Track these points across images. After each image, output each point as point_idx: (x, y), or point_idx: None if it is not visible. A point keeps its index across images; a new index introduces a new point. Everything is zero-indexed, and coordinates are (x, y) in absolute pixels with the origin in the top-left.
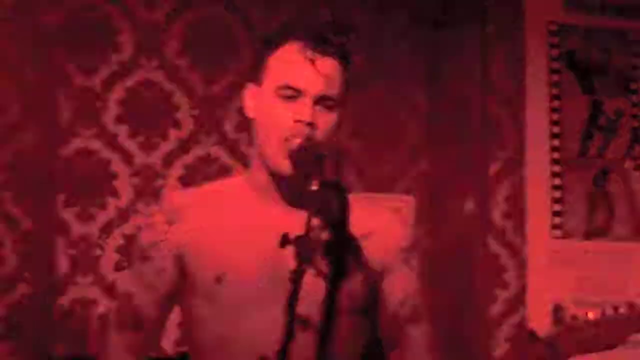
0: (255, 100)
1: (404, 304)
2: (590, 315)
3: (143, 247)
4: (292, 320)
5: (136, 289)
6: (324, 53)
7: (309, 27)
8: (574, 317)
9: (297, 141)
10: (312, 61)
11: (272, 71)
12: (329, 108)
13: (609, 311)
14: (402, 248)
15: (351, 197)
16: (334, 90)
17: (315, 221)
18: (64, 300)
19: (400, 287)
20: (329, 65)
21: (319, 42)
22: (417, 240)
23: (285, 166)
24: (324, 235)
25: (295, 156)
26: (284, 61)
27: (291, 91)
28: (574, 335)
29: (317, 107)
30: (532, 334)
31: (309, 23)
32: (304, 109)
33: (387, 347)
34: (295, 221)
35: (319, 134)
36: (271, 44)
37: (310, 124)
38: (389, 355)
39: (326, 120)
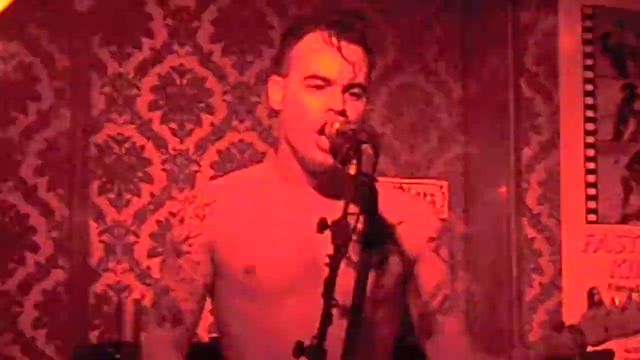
0: (282, 92)
1: (435, 295)
2: (617, 301)
3: (175, 242)
4: (330, 306)
5: (173, 283)
6: (349, 40)
7: (330, 16)
8: (600, 303)
9: (336, 126)
10: (339, 48)
11: (299, 61)
12: (357, 95)
13: (636, 296)
14: (431, 237)
15: (381, 185)
16: (361, 78)
17: (351, 207)
18: (99, 287)
19: (431, 278)
20: (354, 51)
21: (343, 28)
22: (448, 229)
23: (321, 158)
24: (359, 222)
25: (334, 142)
26: (309, 51)
27: (320, 81)
28: (600, 321)
29: (347, 95)
30: (558, 321)
31: (328, 12)
32: (334, 97)
33: (421, 336)
34: (326, 208)
35: (351, 122)
36: (294, 35)
37: (342, 113)
38: (423, 345)
39: (355, 107)
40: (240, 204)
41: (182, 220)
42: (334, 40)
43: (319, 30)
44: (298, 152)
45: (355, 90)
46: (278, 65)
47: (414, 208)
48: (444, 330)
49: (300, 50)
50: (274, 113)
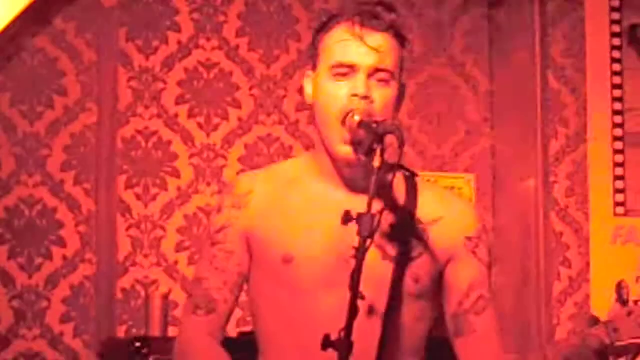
0: (312, 85)
1: (468, 295)
2: None
3: (212, 232)
4: (356, 298)
5: (207, 273)
6: (374, 28)
7: (357, 7)
8: (636, 302)
9: (356, 119)
10: (361, 36)
11: (324, 53)
12: (384, 82)
13: None
14: (469, 237)
15: (422, 181)
16: (387, 64)
17: (378, 199)
18: (126, 281)
19: (465, 278)
20: (379, 39)
21: (367, 17)
22: (487, 229)
23: (344, 151)
24: (390, 217)
25: (356, 134)
26: (334, 41)
27: (344, 69)
28: (636, 318)
29: (372, 81)
30: (593, 317)
31: (355, 5)
32: (358, 83)
33: (452, 334)
34: (357, 203)
35: (377, 108)
36: (322, 29)
37: (366, 97)
38: (454, 342)
39: (382, 94)
40: (279, 194)
41: (219, 210)
42: (357, 28)
43: (344, 22)
44: (326, 145)
45: (382, 75)
46: (311, 60)
47: (454, 206)
48: (477, 331)
49: (327, 42)
50: (309, 107)
